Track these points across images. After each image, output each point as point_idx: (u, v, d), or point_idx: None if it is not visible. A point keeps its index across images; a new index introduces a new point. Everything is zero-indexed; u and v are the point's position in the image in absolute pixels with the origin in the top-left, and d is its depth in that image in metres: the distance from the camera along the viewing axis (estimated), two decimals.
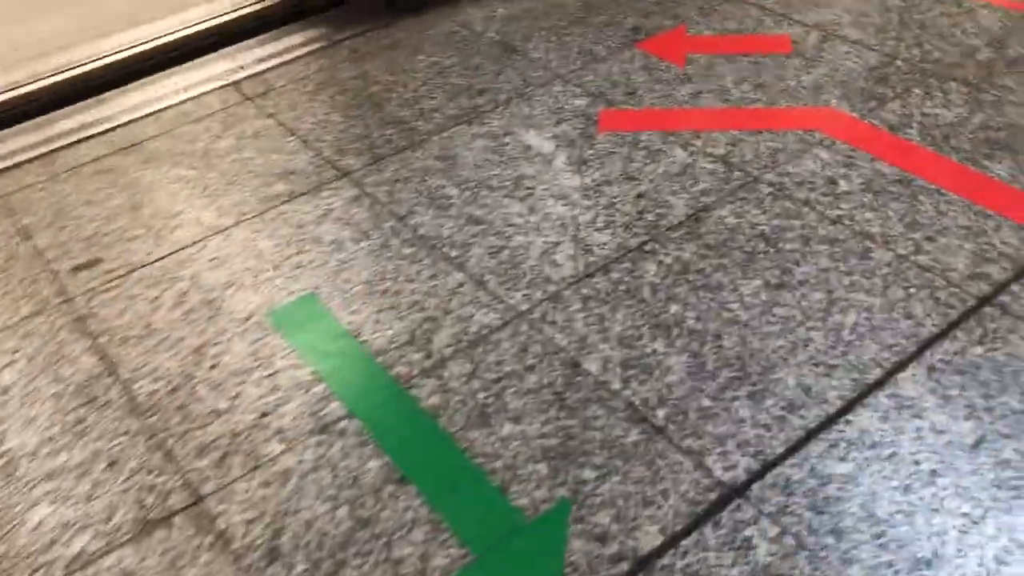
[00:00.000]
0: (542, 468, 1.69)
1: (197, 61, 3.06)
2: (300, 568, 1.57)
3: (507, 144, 2.54)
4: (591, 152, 2.46)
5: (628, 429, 1.74)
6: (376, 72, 2.92)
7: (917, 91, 2.56)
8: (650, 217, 2.23)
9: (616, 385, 1.82)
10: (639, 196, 2.29)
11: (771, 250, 2.09)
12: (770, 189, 2.27)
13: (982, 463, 1.61)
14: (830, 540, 1.52)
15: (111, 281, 2.22)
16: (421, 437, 1.76)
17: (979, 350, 1.82)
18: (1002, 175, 2.23)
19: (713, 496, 1.61)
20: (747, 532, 1.54)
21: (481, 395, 1.83)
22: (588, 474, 1.67)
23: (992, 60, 2.65)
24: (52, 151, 2.71)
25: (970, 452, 1.63)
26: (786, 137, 2.43)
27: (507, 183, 2.39)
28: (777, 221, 2.17)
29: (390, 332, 1.99)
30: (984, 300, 1.92)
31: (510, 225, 2.25)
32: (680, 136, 2.48)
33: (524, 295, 2.05)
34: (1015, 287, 1.94)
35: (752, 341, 1.88)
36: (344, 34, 3.16)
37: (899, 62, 2.69)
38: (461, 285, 2.09)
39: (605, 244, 2.17)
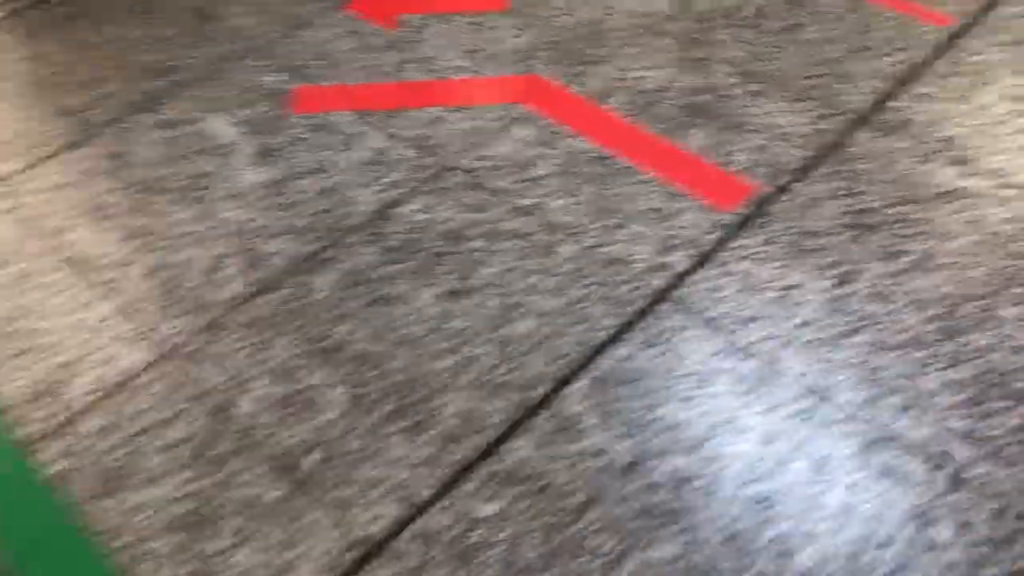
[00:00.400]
0: (172, 540, 1.52)
1: None
2: None
3: (188, 135, 2.27)
4: (279, 140, 2.23)
5: (272, 483, 1.58)
6: (51, 51, 2.57)
7: (629, 50, 2.43)
8: (333, 218, 2.04)
9: (266, 431, 1.66)
10: (323, 192, 2.09)
11: (455, 251, 1.95)
12: (463, 177, 2.11)
13: (633, 490, 1.54)
14: None
15: None
16: (38, 513, 1.55)
17: (649, 354, 1.74)
18: (697, 146, 2.15)
19: (351, 557, 1.48)
20: None
21: (114, 455, 1.64)
22: (221, 544, 1.51)
23: (711, 12, 2.54)
24: None
25: (622, 477, 1.56)
26: (488, 113, 2.27)
27: (181, 183, 2.14)
28: (466, 215, 2.02)
29: (19, 384, 1.75)
30: (662, 295, 1.84)
31: (175, 237, 2.02)
32: (378, 116, 2.27)
33: (177, 325, 1.84)
34: (696, 276, 1.87)
35: (421, 362, 1.75)
36: (20, 3, 2.77)
37: (616, 15, 2.54)
38: (108, 318, 1.86)
39: (279, 253, 1.97)
